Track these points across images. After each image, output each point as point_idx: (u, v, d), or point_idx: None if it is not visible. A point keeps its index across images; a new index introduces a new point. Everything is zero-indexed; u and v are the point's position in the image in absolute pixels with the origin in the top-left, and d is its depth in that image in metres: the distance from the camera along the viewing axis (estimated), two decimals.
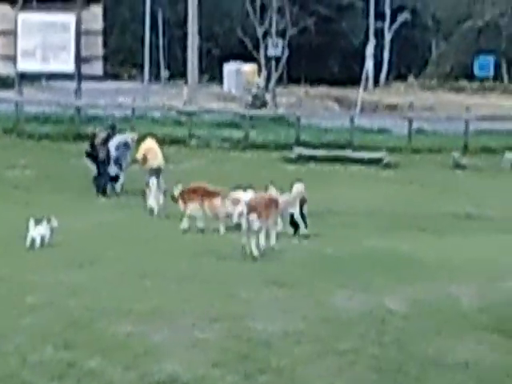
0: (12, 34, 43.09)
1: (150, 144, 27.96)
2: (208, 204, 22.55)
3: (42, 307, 12.46)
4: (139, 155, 27.53)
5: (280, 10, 61.02)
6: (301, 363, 10.95)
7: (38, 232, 18.65)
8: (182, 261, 16.67)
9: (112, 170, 26.70)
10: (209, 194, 22.81)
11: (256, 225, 17.81)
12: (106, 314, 12.13)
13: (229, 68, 61.31)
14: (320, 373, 10.68)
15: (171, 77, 62.86)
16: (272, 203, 19.62)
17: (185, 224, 21.67)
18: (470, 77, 63.29)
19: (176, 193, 22.61)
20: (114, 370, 10.19)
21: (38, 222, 18.45)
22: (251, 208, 18.32)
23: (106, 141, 26.86)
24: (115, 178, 27.44)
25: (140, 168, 27.25)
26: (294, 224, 21.48)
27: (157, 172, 26.05)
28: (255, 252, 17.53)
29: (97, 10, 47.20)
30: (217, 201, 23.56)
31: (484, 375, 10.95)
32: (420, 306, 13.32)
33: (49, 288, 13.77)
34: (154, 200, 25.13)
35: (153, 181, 24.76)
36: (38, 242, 18.64)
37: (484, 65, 56.93)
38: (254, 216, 17.87)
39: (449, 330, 12.45)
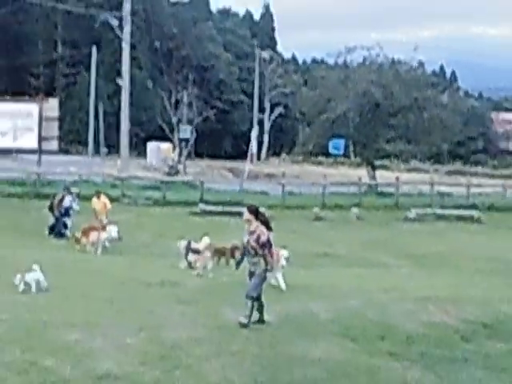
0: None
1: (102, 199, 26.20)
2: None
3: (6, 321, 12.27)
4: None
5: (189, 104, 61.67)
6: (204, 361, 10.99)
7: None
8: (115, 286, 16.25)
9: (64, 218, 26.22)
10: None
11: None
12: (56, 326, 11.90)
13: (151, 146, 61.40)
14: (218, 368, 10.75)
15: (109, 152, 62.68)
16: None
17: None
18: (327, 154, 64.63)
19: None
20: (64, 368, 10.09)
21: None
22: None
23: (60, 201, 26.26)
24: (65, 225, 26.03)
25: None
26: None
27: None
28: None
29: (54, 102, 47.17)
30: None
31: (334, 369, 11.14)
32: (288, 318, 13.47)
33: (12, 307, 13.54)
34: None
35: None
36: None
37: (337, 146, 57.71)
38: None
39: (309, 335, 12.57)
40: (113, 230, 23.08)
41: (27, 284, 15.42)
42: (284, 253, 16.78)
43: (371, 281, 18.23)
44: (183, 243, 21.64)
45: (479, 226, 34.92)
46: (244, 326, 12.22)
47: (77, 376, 9.89)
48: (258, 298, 12.34)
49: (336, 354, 11.80)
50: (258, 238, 12.29)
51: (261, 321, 12.56)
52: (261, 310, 12.62)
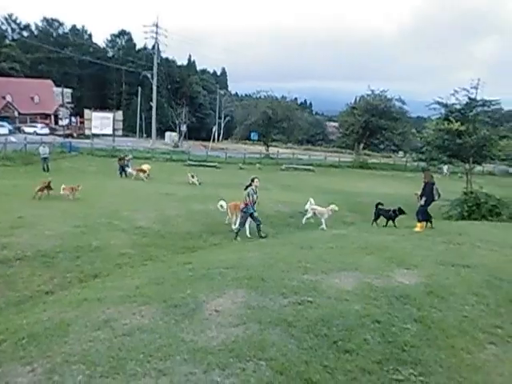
0: None
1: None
2: None
3: (111, 204, 13.82)
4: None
5: (185, 115, 60.75)
6: (181, 223, 12.50)
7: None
8: (146, 195, 16.92)
9: (125, 168, 24.97)
10: None
11: None
12: (123, 210, 12.86)
13: (167, 134, 59.71)
14: (188, 225, 12.19)
15: (146, 136, 62.02)
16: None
17: None
18: (249, 139, 63.26)
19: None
20: (122, 224, 11.39)
21: None
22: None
23: (121, 159, 25.02)
24: (125, 171, 24.53)
25: None
26: None
27: None
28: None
29: (120, 113, 45.99)
30: None
31: (272, 223, 12.93)
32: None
33: (108, 203, 15.11)
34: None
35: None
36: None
37: (254, 135, 57.85)
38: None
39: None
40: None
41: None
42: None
43: (262, 195, 19.48)
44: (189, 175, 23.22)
45: (313, 173, 35.81)
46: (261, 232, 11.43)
47: (127, 227, 11.11)
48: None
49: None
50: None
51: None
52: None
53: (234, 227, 11.94)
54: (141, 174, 23.92)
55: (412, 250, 8.25)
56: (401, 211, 12.62)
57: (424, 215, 11.94)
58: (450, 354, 3.55)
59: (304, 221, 13.76)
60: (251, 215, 11.35)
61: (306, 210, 13.95)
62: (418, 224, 11.90)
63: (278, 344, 3.61)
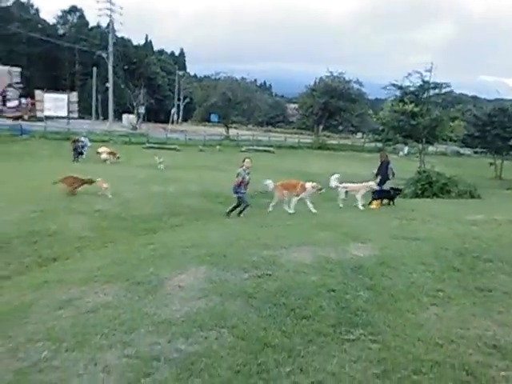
0: None
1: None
2: None
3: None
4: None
5: (143, 96, 59.19)
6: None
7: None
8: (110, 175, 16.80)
9: (82, 150, 25.04)
10: None
11: None
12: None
13: (124, 116, 57.89)
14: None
15: (103, 118, 60.22)
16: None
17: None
18: (209, 121, 62.84)
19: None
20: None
21: None
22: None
23: (75, 141, 24.10)
24: (82, 153, 23.89)
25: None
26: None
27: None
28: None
29: (75, 94, 45.16)
30: None
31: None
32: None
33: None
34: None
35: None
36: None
37: (214, 117, 56.49)
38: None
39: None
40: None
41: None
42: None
43: (222, 176, 19.28)
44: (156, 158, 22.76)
45: (273, 155, 36.52)
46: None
47: (86, 210, 10.70)
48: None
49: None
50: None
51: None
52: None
53: (289, 211, 10.68)
54: (111, 157, 24.01)
55: (367, 225, 8.66)
56: (398, 190, 12.71)
57: (380, 193, 12.50)
58: (397, 316, 3.85)
59: (340, 204, 12.02)
60: (240, 197, 10.83)
61: (335, 187, 12.22)
62: (374, 202, 12.46)
63: (239, 313, 3.79)
